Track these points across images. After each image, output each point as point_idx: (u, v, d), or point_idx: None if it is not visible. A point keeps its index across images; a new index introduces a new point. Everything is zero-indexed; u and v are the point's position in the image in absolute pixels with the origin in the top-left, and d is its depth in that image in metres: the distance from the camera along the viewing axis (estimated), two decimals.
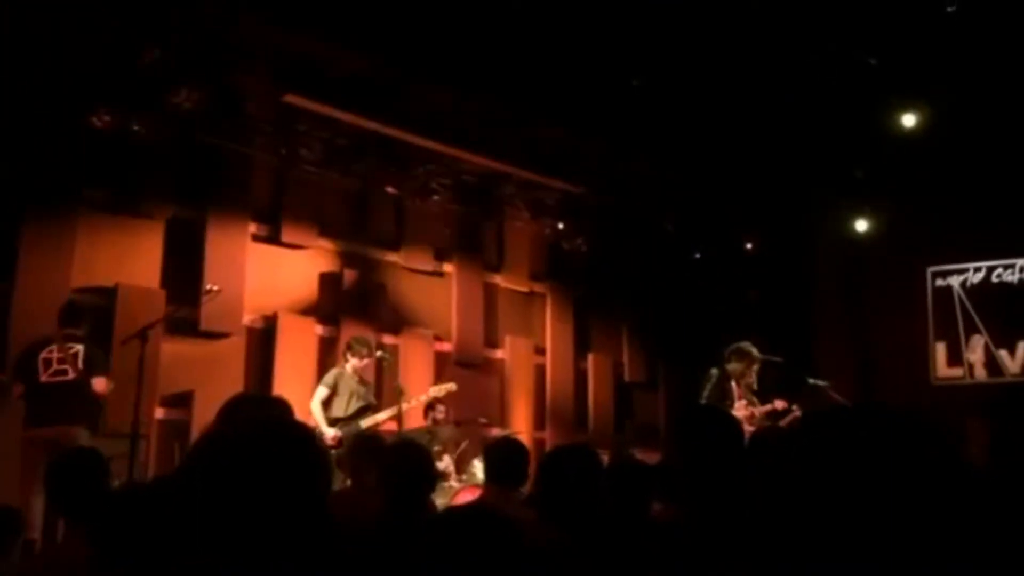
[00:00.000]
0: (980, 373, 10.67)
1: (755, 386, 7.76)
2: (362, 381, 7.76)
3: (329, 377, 7.69)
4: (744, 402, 7.66)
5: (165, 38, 7.13)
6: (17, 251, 7.02)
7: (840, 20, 7.69)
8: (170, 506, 1.72)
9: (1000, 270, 10.75)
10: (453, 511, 2.26)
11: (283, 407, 2.79)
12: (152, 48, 7.06)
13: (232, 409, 2.46)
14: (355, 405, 7.58)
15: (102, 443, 5.71)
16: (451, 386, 8.18)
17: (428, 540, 1.83)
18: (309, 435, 1.57)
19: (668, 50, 8.01)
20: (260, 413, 2.16)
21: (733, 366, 7.65)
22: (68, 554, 2.72)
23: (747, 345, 7.75)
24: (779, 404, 7.79)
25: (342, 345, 8.33)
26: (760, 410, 7.72)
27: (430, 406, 8.29)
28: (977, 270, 10.85)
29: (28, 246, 7.07)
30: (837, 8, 7.52)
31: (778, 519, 1.25)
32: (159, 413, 7.62)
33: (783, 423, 7.60)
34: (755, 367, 7.70)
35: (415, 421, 8.30)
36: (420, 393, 8.15)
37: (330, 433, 7.33)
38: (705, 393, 7.64)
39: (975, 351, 10.73)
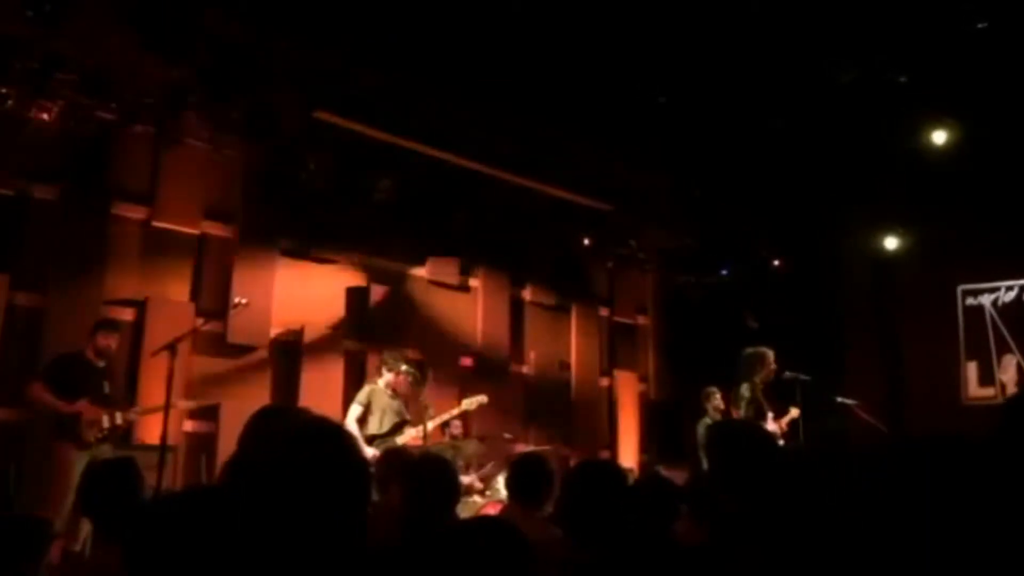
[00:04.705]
0: (1012, 393, 10.48)
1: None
2: (395, 396, 7.61)
3: (362, 395, 7.58)
4: (772, 415, 7.65)
5: (195, 57, 7.23)
6: (49, 265, 7.14)
7: (870, 38, 7.65)
8: (209, 517, 1.72)
9: None
10: (464, 525, 2.25)
11: (309, 419, 2.80)
12: (183, 66, 7.16)
13: (259, 422, 2.47)
14: (389, 421, 7.46)
15: (130, 455, 5.78)
16: (482, 398, 7.99)
17: (442, 554, 1.84)
18: (349, 437, 1.56)
19: (696, 68, 8.00)
20: (288, 425, 2.16)
21: (760, 376, 7.60)
22: (98, 564, 2.74)
23: (752, 351, 7.72)
24: (794, 412, 7.77)
25: (369, 359, 8.31)
26: (783, 421, 7.73)
27: (445, 422, 8.21)
28: (1009, 289, 10.70)
29: (60, 260, 7.17)
30: (867, 26, 7.47)
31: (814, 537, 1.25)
32: (187, 426, 7.68)
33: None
34: (772, 364, 7.67)
35: (433, 436, 8.27)
36: (444, 407, 8.02)
37: (369, 452, 6.94)
38: (741, 412, 7.57)
39: (1007, 371, 10.56)
